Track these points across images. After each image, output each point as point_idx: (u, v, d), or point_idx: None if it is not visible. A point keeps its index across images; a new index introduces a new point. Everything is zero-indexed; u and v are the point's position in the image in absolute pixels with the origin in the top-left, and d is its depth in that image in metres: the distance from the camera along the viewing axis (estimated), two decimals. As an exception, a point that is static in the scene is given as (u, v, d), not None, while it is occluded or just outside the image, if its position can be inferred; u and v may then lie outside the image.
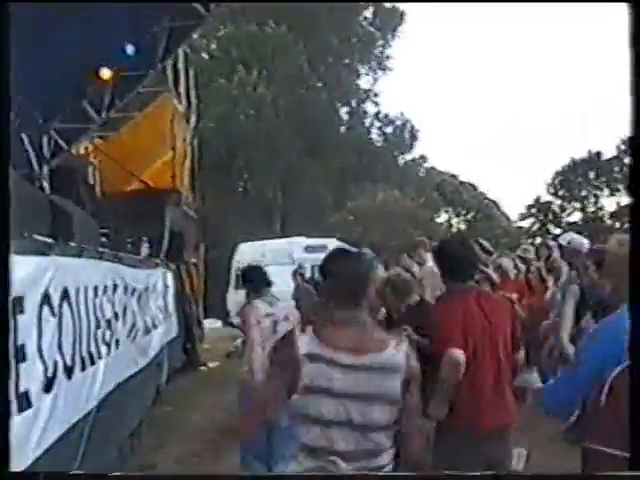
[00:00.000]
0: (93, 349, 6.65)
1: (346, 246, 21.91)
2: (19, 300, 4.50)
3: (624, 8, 2.29)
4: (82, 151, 14.20)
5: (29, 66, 9.19)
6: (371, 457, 3.08)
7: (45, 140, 12.59)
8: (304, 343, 3.06)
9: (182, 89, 17.77)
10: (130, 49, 13.16)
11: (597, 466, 2.67)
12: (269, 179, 37.32)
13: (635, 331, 2.75)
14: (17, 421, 4.43)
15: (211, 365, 15.43)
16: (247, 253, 23.80)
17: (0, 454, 1.29)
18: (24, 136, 11.56)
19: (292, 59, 38.53)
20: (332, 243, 22.78)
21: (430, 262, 6.69)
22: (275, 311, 6.16)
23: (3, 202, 1.24)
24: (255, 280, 6.33)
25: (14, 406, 4.36)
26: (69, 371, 5.71)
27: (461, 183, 45.49)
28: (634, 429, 2.39)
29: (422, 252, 7.59)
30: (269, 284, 6.40)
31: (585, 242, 6.52)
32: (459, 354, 4.25)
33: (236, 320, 12.87)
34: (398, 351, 3.11)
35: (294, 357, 3.03)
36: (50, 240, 5.44)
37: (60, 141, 13.01)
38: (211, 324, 21.22)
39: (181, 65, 17.58)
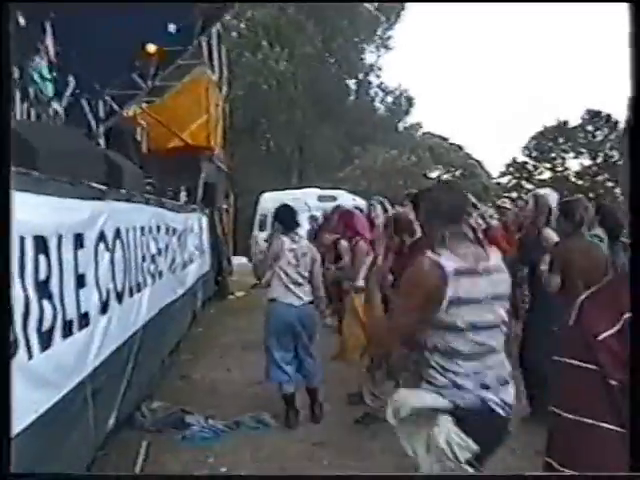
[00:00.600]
0: (140, 279, 6.68)
1: (353, 196, 21.89)
2: (79, 237, 4.51)
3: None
4: (132, 114, 14.10)
5: (88, 41, 9.11)
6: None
7: (101, 104, 12.50)
8: (446, 261, 2.85)
9: (215, 62, 17.54)
10: (172, 27, 13.04)
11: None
12: (288, 140, 37.27)
13: (635, 332, 2.81)
14: (78, 336, 4.47)
15: (238, 294, 15.53)
16: (269, 201, 23.72)
17: (0, 455, 1.25)
18: (83, 100, 11.45)
19: (308, 39, 38.22)
20: (341, 194, 22.75)
21: None
22: (297, 247, 6.19)
23: (3, 202, 1.19)
24: (286, 219, 6.29)
25: (75, 324, 4.40)
26: (120, 297, 5.74)
27: (450, 144, 45.09)
28: (634, 429, 2.31)
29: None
30: (297, 224, 6.38)
31: (556, 196, 6.45)
32: None
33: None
34: (496, 254, 3.06)
35: (442, 276, 2.82)
36: (104, 187, 5.42)
37: (114, 105, 12.92)
38: (239, 260, 21.26)
39: (214, 42, 17.32)
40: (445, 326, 2.87)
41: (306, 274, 6.17)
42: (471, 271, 2.89)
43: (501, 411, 2.91)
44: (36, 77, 8.17)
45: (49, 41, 8.78)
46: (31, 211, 3.68)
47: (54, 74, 8.50)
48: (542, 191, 6.84)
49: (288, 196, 22.79)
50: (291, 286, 6.11)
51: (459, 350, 2.88)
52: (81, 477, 1.43)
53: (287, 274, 6.09)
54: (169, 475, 1.58)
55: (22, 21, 7.01)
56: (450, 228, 2.97)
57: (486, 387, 2.90)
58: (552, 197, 6.37)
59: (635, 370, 0.97)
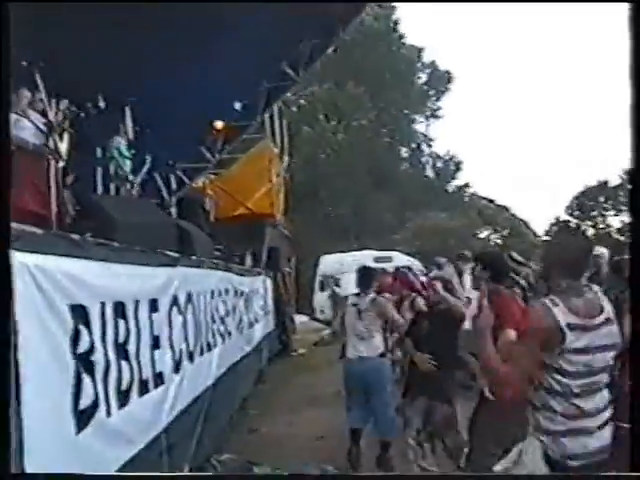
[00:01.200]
0: (210, 339, 6.74)
1: (408, 257, 21.81)
2: (154, 302, 4.61)
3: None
4: (200, 185, 14.46)
5: (162, 120, 9.47)
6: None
7: (172, 177, 12.89)
8: (560, 314, 2.77)
9: (277, 135, 17.92)
10: (238, 105, 13.51)
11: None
12: (345, 206, 37.54)
13: (635, 330, 2.71)
14: (153, 394, 4.53)
15: (301, 352, 15.45)
16: (328, 263, 23.91)
17: (0, 456, 1.26)
18: (157, 174, 11.83)
19: (364, 112, 38.83)
20: (396, 255, 22.71)
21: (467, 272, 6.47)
22: (359, 302, 6.24)
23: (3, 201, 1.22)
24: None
25: (151, 383, 4.46)
26: (192, 356, 5.79)
27: (497, 206, 44.88)
28: (634, 429, 2.25)
29: (461, 263, 7.43)
30: (366, 283, 6.39)
31: (606, 253, 6.30)
32: None
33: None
34: (608, 309, 2.93)
35: (555, 327, 2.76)
36: (177, 255, 5.54)
37: (184, 177, 13.30)
38: (300, 319, 21.25)
39: (276, 116, 17.74)
40: (558, 371, 2.82)
41: (374, 329, 6.16)
42: (584, 324, 2.82)
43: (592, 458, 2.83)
44: (116, 155, 8.51)
45: (128, 122, 9.15)
46: (111, 279, 3.79)
47: (132, 152, 8.83)
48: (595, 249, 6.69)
49: (346, 258, 22.96)
50: (358, 341, 6.13)
51: (569, 394, 2.82)
52: (81, 477, 1.44)
53: (354, 329, 6.13)
54: (170, 475, 1.57)
55: (102, 104, 7.28)
56: (569, 278, 2.90)
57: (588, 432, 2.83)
58: (602, 254, 6.23)
59: (635, 370, 0.94)
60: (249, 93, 13.55)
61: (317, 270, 22.94)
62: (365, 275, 6.40)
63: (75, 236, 3.54)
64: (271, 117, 16.97)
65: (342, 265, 21.52)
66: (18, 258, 2.66)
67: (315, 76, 33.49)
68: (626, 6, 2.28)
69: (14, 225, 3.34)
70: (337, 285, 20.12)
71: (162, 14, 8.66)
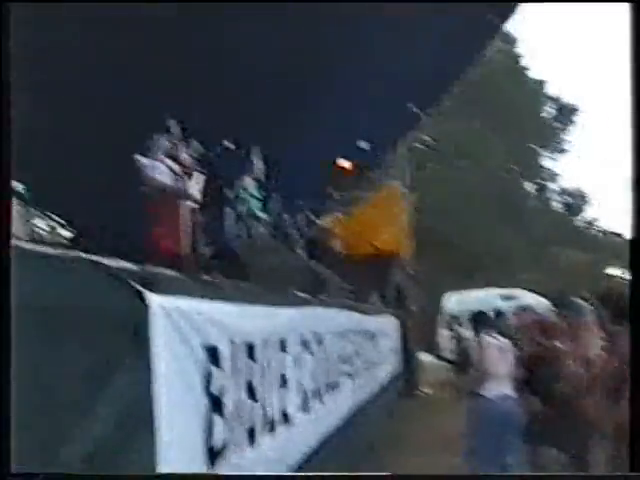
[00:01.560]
0: (338, 379, 6.65)
1: (535, 296, 20.92)
2: (283, 342, 4.59)
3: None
4: (328, 224, 14.54)
5: (290, 160, 9.63)
6: None
7: (301, 217, 13.05)
8: None
9: (404, 174, 17.80)
10: (364, 144, 13.61)
11: None
12: (471, 243, 36.73)
13: (635, 337, 2.47)
14: (281, 434, 4.48)
15: (427, 391, 15.07)
16: (455, 301, 23.35)
17: (0, 455, 1.22)
18: (285, 215, 11.99)
19: (490, 148, 38.15)
20: (523, 294, 21.83)
21: None
22: (497, 343, 6.02)
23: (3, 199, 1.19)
24: (486, 318, 6.25)
25: (279, 422, 4.42)
26: (319, 396, 5.73)
27: (626, 240, 42.26)
28: (634, 429, 2.15)
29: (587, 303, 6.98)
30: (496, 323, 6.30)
31: None
32: None
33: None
34: None
35: None
36: (307, 295, 5.53)
37: (312, 217, 13.44)
38: (426, 358, 20.78)
39: (404, 155, 17.64)
40: None
41: (504, 369, 5.87)
42: None
43: None
44: (245, 196, 8.62)
45: (257, 162, 9.32)
46: (242, 319, 3.80)
47: (262, 192, 8.94)
48: None
49: (472, 296, 22.28)
50: (494, 380, 5.85)
51: None
52: (81, 477, 1.38)
53: (487, 370, 5.86)
54: (170, 474, 1.49)
55: (231, 145, 7.35)
56: None
57: None
58: None
59: (635, 370, 0.78)
60: (376, 132, 13.65)
61: (443, 309, 22.41)
62: (481, 319, 6.22)
63: (210, 278, 3.59)
64: (398, 156, 16.92)
65: (466, 304, 20.95)
66: (156, 300, 2.70)
67: (442, 115, 33.40)
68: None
69: (153, 268, 3.45)
70: (460, 324, 19.56)
71: (291, 58, 8.91)
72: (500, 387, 5.82)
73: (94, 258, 2.65)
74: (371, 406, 8.87)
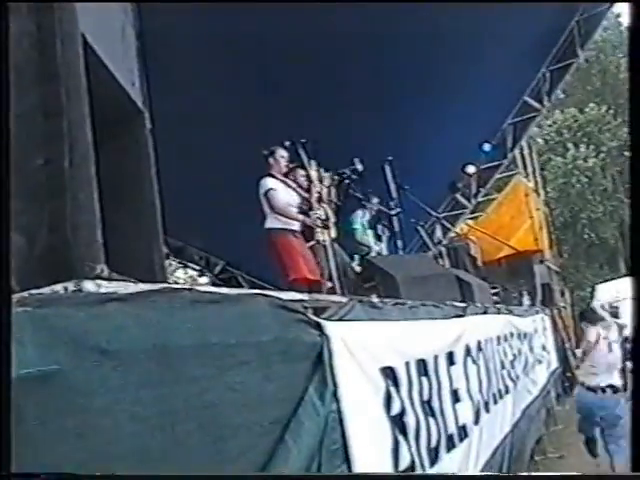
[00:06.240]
0: (501, 386, 6.39)
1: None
2: (451, 354, 4.43)
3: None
4: (462, 231, 14.25)
5: (417, 173, 9.43)
6: None
7: (437, 227, 12.84)
8: None
9: (529, 170, 17.14)
10: (487, 146, 13.31)
11: None
12: (609, 231, 34.71)
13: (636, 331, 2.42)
14: (459, 449, 4.31)
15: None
16: (605, 291, 22.20)
17: (0, 455, 1.14)
18: (419, 227, 11.75)
19: (610, 131, 35.96)
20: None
21: None
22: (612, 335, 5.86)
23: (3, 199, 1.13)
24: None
25: (456, 437, 4.25)
26: (487, 406, 5.50)
27: None
28: (634, 429, 2.14)
29: None
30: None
31: None
32: None
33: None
34: None
35: None
36: (463, 304, 5.35)
37: (446, 225, 13.21)
38: (579, 354, 19.73)
39: (526, 152, 17.02)
40: None
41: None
42: None
43: None
44: (359, 227, 8.32)
45: (389, 181, 9.11)
46: (410, 337, 3.69)
47: (375, 225, 8.53)
48: None
49: (622, 285, 20.99)
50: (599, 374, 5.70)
51: None
52: (81, 477, 1.27)
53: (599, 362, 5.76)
54: (170, 475, 1.35)
55: (360, 166, 7.12)
56: None
57: None
58: None
59: (636, 371, 0.57)
60: (496, 132, 13.27)
61: (593, 300, 21.28)
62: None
63: (373, 299, 3.50)
64: (520, 152, 16.34)
65: (619, 293, 19.77)
66: (333, 329, 2.63)
67: (557, 104, 32.04)
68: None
69: (318, 296, 3.40)
70: (615, 315, 18.41)
71: (404, 74, 8.78)
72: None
73: (264, 292, 2.56)
74: (535, 408, 8.50)
